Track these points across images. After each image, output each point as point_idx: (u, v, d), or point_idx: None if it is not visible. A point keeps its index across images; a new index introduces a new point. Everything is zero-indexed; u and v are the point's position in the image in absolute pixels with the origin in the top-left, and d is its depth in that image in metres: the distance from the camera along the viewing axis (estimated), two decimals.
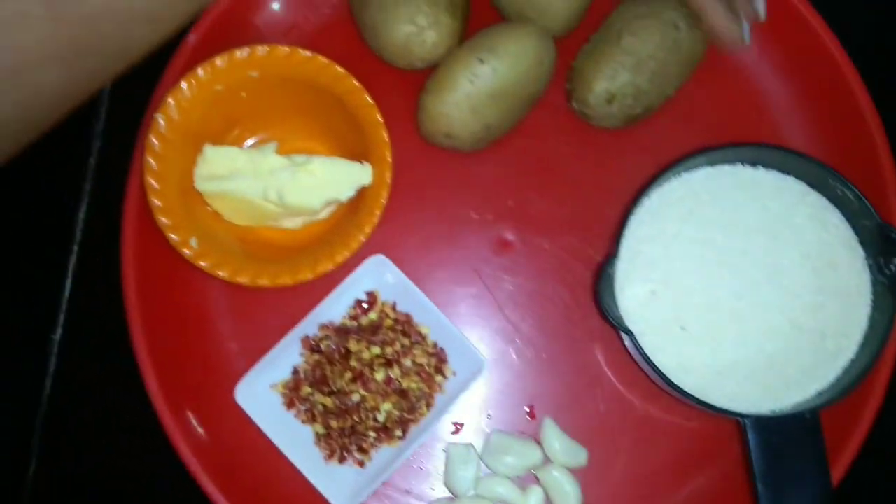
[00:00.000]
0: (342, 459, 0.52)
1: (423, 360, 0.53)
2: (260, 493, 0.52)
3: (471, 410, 0.54)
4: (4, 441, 0.55)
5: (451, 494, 0.52)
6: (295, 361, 0.53)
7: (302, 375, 0.53)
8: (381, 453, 0.52)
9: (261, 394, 0.53)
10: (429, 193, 0.56)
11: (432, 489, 0.53)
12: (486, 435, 0.53)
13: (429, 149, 0.54)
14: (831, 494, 0.45)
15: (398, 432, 0.52)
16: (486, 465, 0.52)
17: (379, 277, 0.54)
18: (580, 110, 0.53)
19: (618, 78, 0.51)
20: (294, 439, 0.52)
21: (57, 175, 0.58)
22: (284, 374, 0.53)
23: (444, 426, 0.54)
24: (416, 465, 0.53)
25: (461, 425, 0.54)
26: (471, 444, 0.53)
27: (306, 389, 0.53)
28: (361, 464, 0.52)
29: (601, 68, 0.51)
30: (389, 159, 0.50)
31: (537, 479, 0.52)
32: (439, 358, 0.53)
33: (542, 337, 0.54)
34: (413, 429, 0.53)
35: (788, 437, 0.46)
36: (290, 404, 0.53)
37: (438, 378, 0.53)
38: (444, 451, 0.53)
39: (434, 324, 0.53)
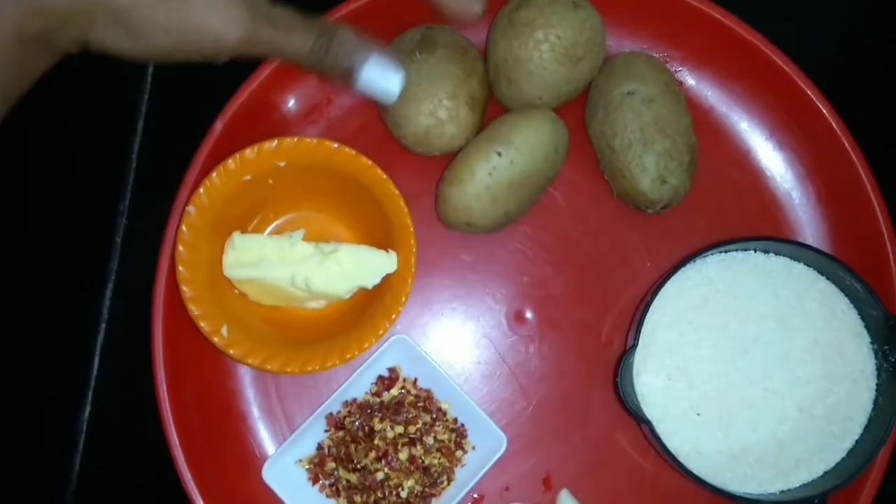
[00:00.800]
0: None
1: (444, 436, 0.55)
2: None
3: (490, 483, 0.56)
4: None
5: None
6: (320, 438, 0.55)
7: (326, 451, 0.55)
8: None
9: (287, 470, 0.54)
10: (446, 271, 0.57)
11: None
12: None
13: (444, 229, 0.56)
14: None
15: None
16: None
17: (401, 355, 0.55)
18: (636, 199, 0.54)
19: (656, 152, 0.53)
20: None
21: (82, 253, 0.59)
22: (310, 450, 0.55)
23: (465, 499, 0.55)
24: None
25: (481, 497, 0.56)
26: None
27: (331, 465, 0.54)
28: None
29: (642, 161, 0.53)
30: (414, 248, 0.51)
31: None
32: (459, 433, 0.55)
33: (556, 410, 0.56)
34: (434, 503, 0.54)
35: None
36: (315, 479, 0.55)
37: (458, 453, 0.55)
38: None
39: (454, 399, 0.55)
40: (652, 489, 0.55)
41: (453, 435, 0.55)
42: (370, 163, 0.51)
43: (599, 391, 0.56)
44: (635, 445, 0.56)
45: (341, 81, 0.46)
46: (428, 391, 0.56)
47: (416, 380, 0.56)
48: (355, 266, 0.51)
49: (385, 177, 0.51)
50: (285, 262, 0.51)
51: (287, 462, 0.54)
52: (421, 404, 0.55)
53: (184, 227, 0.51)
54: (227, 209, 0.52)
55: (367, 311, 0.52)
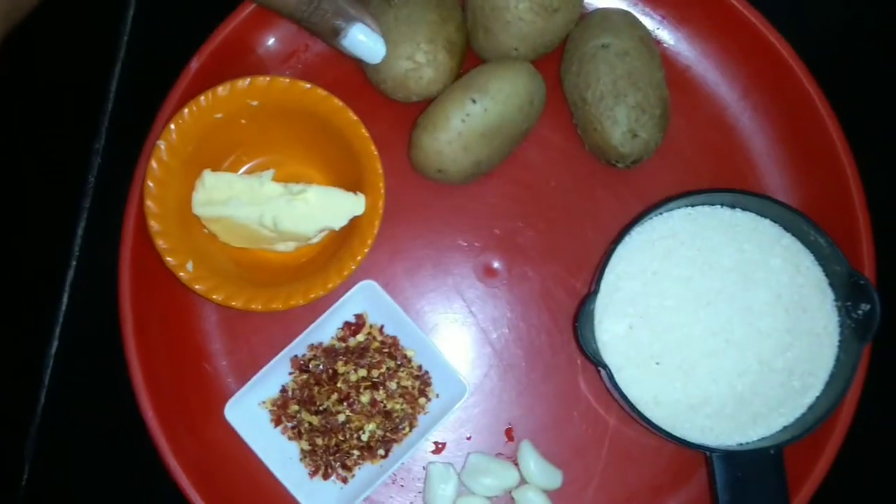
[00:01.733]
0: (326, 476, 0.54)
1: (407, 382, 0.55)
2: None
3: (452, 431, 0.56)
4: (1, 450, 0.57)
5: None
6: (284, 380, 0.55)
7: (290, 394, 0.55)
8: (364, 470, 0.54)
9: (250, 411, 0.54)
10: (418, 221, 0.57)
11: None
12: (465, 455, 0.55)
13: (420, 179, 0.56)
14: None
15: (381, 451, 0.54)
16: (465, 485, 0.54)
17: (368, 301, 0.55)
18: (607, 153, 0.55)
19: (628, 105, 0.53)
20: (281, 455, 0.54)
21: (56, 192, 0.59)
22: (273, 392, 0.55)
23: (426, 446, 0.56)
24: (398, 482, 0.55)
25: (443, 445, 0.56)
26: (451, 464, 0.55)
27: (294, 407, 0.55)
28: (345, 480, 0.54)
29: (614, 114, 0.53)
30: (383, 190, 0.52)
31: (513, 499, 0.54)
32: (423, 381, 0.55)
33: (523, 362, 0.56)
34: (395, 448, 0.55)
35: (753, 470, 0.48)
36: (277, 421, 0.55)
37: (422, 400, 0.55)
38: (425, 469, 0.55)
39: (420, 348, 0.55)
40: (613, 443, 0.55)
41: (417, 382, 0.55)
42: (341, 104, 0.52)
43: (566, 344, 0.56)
44: (599, 399, 0.56)
45: (325, 38, 0.46)
46: (394, 338, 0.56)
47: (382, 326, 0.56)
48: (323, 207, 0.51)
49: (356, 118, 0.52)
50: (254, 202, 0.51)
51: (250, 403, 0.55)
52: (386, 350, 0.55)
53: (153, 163, 0.51)
54: (199, 147, 0.52)
55: (335, 253, 0.52)
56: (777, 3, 0.57)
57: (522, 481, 0.55)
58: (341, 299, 0.54)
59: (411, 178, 0.56)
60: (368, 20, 0.50)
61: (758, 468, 0.48)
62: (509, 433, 0.56)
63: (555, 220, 0.57)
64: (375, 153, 0.52)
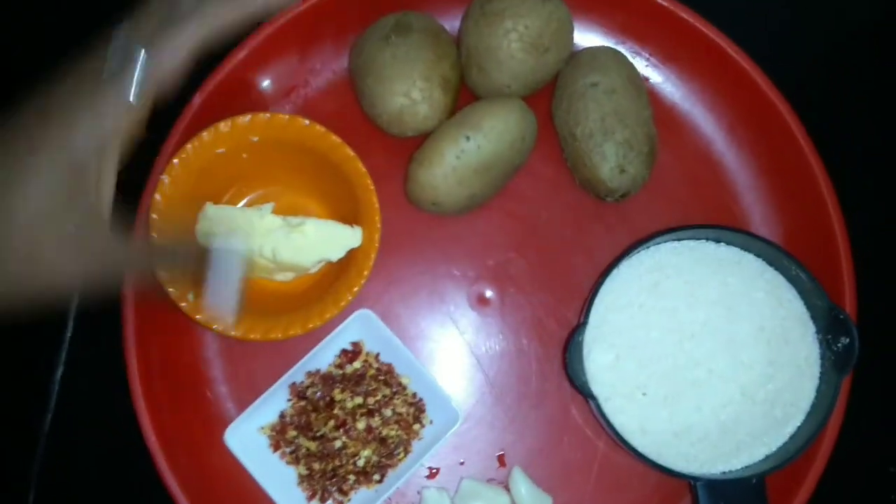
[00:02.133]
0: (323, 500, 0.56)
1: (402, 409, 0.56)
2: None
3: (445, 457, 0.57)
4: (5, 476, 0.58)
5: None
6: (282, 406, 0.57)
7: (288, 420, 0.57)
8: (360, 495, 0.56)
9: (249, 436, 0.56)
10: (413, 251, 0.59)
11: None
12: (458, 480, 0.57)
13: (415, 210, 0.58)
14: None
15: (376, 476, 0.56)
16: None
17: (364, 330, 0.57)
18: (596, 187, 0.56)
19: (616, 142, 0.55)
20: (279, 480, 0.55)
21: None
22: (272, 417, 0.57)
23: (420, 471, 0.57)
24: (394, 501, 0.57)
25: (436, 471, 0.57)
26: (444, 489, 0.56)
27: (292, 433, 0.56)
28: None
29: (603, 150, 0.55)
30: (379, 224, 0.54)
31: None
32: (418, 408, 0.57)
33: (514, 389, 0.58)
34: (391, 473, 0.56)
35: (735, 499, 0.49)
36: (276, 446, 0.56)
37: (416, 426, 0.57)
38: (419, 494, 0.56)
39: (414, 375, 0.57)
40: (602, 469, 0.57)
41: (412, 409, 0.57)
42: (339, 140, 0.53)
43: (556, 372, 0.58)
44: (588, 425, 0.57)
45: None
46: (389, 365, 0.57)
47: (378, 354, 0.58)
48: (321, 239, 0.53)
49: (353, 154, 0.53)
50: (254, 234, 0.53)
51: (249, 428, 0.56)
52: (382, 378, 0.57)
53: (157, 196, 0.53)
54: (201, 181, 0.54)
55: (332, 284, 0.54)
56: (760, 38, 0.59)
57: None
58: (338, 328, 0.56)
59: (407, 210, 0.58)
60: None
61: (740, 497, 0.49)
62: (501, 459, 0.57)
63: (546, 251, 0.59)
64: (372, 187, 0.53)
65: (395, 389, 0.57)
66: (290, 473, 0.56)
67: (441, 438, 0.56)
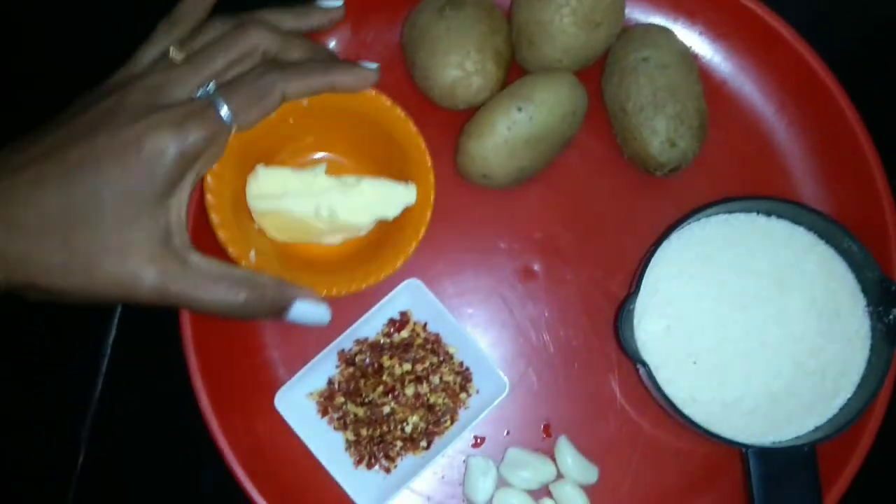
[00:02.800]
0: (370, 465, 0.56)
1: (449, 377, 0.57)
2: (294, 493, 0.55)
3: (492, 426, 0.58)
4: (56, 434, 0.59)
5: (469, 503, 0.56)
6: (331, 373, 0.57)
7: (336, 386, 0.57)
8: (406, 461, 0.56)
9: (298, 401, 0.57)
10: (461, 223, 0.60)
11: (452, 497, 0.57)
12: (504, 450, 0.57)
13: (464, 183, 0.58)
14: None
15: (423, 443, 0.56)
16: (504, 478, 0.56)
17: (412, 299, 0.58)
18: (646, 161, 0.57)
19: (667, 115, 0.55)
20: (327, 445, 0.56)
21: None
22: (320, 384, 0.57)
23: (467, 440, 0.58)
24: (439, 474, 0.57)
25: (482, 439, 0.58)
26: (490, 458, 0.57)
27: (340, 399, 0.57)
28: (388, 470, 0.56)
29: (653, 124, 0.55)
30: (433, 182, 0.54)
31: (550, 493, 0.56)
32: (465, 377, 0.57)
33: (560, 362, 0.58)
34: (437, 440, 0.57)
35: (786, 467, 0.50)
36: (324, 412, 0.57)
37: (463, 395, 0.57)
38: (465, 462, 0.57)
39: (461, 344, 0.57)
40: (646, 444, 0.57)
41: (458, 378, 0.57)
42: (390, 102, 0.54)
43: (603, 346, 0.58)
44: (633, 401, 0.57)
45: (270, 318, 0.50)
46: (436, 335, 0.58)
47: (425, 324, 0.58)
48: (377, 197, 0.53)
49: (404, 115, 0.54)
50: (309, 194, 0.53)
51: (298, 394, 0.57)
52: (429, 346, 0.57)
53: None
54: (250, 145, 0.55)
55: (387, 243, 0.55)
56: (810, 16, 0.59)
57: (559, 476, 0.56)
58: (387, 297, 0.57)
59: (456, 182, 0.59)
60: (306, 293, 0.51)
61: (791, 465, 0.50)
62: (547, 429, 0.58)
63: (593, 226, 0.60)
64: (424, 147, 0.54)
65: (442, 358, 0.57)
66: (338, 439, 0.57)
67: (488, 407, 0.56)
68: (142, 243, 0.45)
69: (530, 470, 0.56)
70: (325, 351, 0.56)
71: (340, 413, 0.57)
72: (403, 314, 0.58)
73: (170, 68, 0.48)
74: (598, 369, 0.58)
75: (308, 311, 0.50)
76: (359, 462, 0.56)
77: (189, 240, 0.47)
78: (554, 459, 0.57)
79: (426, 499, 0.57)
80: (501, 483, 0.56)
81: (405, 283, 0.57)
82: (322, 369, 0.57)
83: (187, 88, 0.47)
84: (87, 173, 0.44)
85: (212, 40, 0.49)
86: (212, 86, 0.48)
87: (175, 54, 0.49)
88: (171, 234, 0.46)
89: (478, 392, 0.58)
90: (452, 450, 0.57)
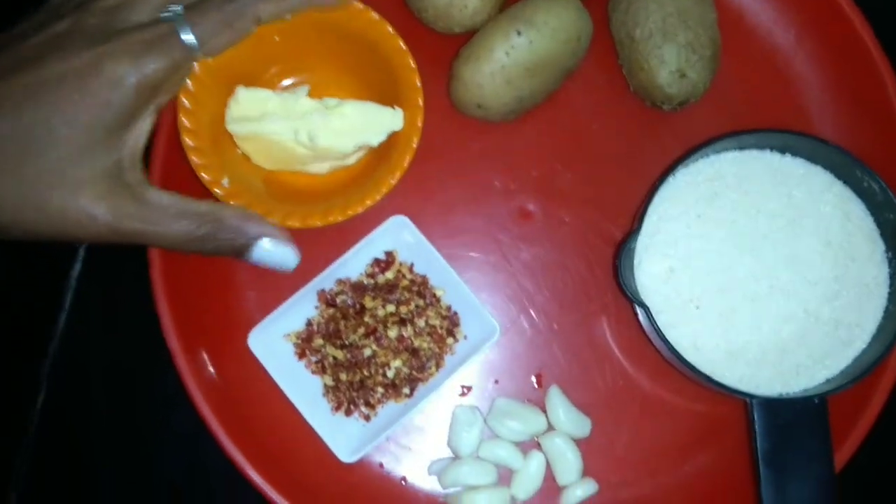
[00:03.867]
0: (349, 412, 0.53)
1: (435, 321, 0.53)
2: (266, 437, 0.52)
3: (480, 375, 0.54)
4: (15, 371, 0.56)
5: (453, 454, 0.53)
6: (309, 314, 0.54)
7: (315, 328, 0.54)
8: (387, 409, 0.53)
9: (273, 342, 0.53)
10: (454, 159, 0.56)
11: (435, 449, 0.53)
12: (492, 400, 0.54)
13: (458, 115, 0.55)
14: (834, 479, 0.46)
15: (406, 390, 0.53)
16: (491, 429, 0.53)
17: (399, 238, 0.54)
18: (652, 93, 0.53)
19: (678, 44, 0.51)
20: (303, 389, 0.53)
21: None
22: (298, 325, 0.54)
23: (452, 389, 0.54)
24: (421, 424, 0.53)
25: (469, 389, 0.54)
26: (477, 407, 0.53)
27: (318, 342, 0.53)
28: (367, 418, 0.53)
29: (662, 53, 0.51)
30: (421, 104, 0.50)
31: (540, 446, 0.53)
32: (452, 321, 0.54)
33: (554, 308, 0.55)
34: (420, 388, 0.53)
35: (795, 419, 0.46)
36: (301, 355, 0.54)
37: (450, 340, 0.54)
38: (451, 412, 0.53)
39: (449, 287, 0.54)
40: (643, 398, 0.54)
41: (445, 322, 0.54)
42: (379, 18, 0.50)
43: (601, 293, 0.55)
44: (630, 352, 0.54)
45: (230, 257, 0.47)
46: (423, 277, 0.54)
47: (412, 265, 0.55)
48: (360, 122, 0.50)
49: (393, 32, 0.50)
50: (289, 117, 0.50)
51: (274, 334, 0.53)
52: (415, 289, 0.54)
53: (187, 79, 0.50)
54: (231, 65, 0.51)
55: (372, 172, 0.51)
56: None
57: (550, 428, 0.53)
58: (371, 234, 0.53)
59: (449, 115, 0.55)
60: (269, 232, 0.47)
61: (801, 417, 0.46)
62: (539, 379, 0.54)
63: (594, 164, 0.56)
64: (414, 66, 0.50)
65: (428, 301, 0.54)
66: (315, 384, 0.53)
67: (476, 352, 0.52)
68: (95, 178, 0.42)
69: (519, 420, 0.52)
70: (304, 290, 0.53)
71: (318, 356, 0.53)
72: (389, 254, 0.55)
73: None
74: (595, 318, 0.55)
75: (271, 251, 0.47)
76: (337, 408, 0.53)
77: (145, 174, 0.44)
78: (545, 411, 0.53)
79: (408, 450, 0.53)
80: (488, 435, 0.53)
81: (391, 219, 0.53)
82: (300, 309, 0.54)
83: (148, 10, 0.44)
84: (38, 101, 0.41)
85: None
86: (178, 7, 0.44)
87: None
88: (125, 169, 0.43)
89: (465, 337, 0.54)
90: (437, 399, 0.54)
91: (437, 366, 0.53)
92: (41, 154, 0.41)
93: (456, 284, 0.53)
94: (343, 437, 0.52)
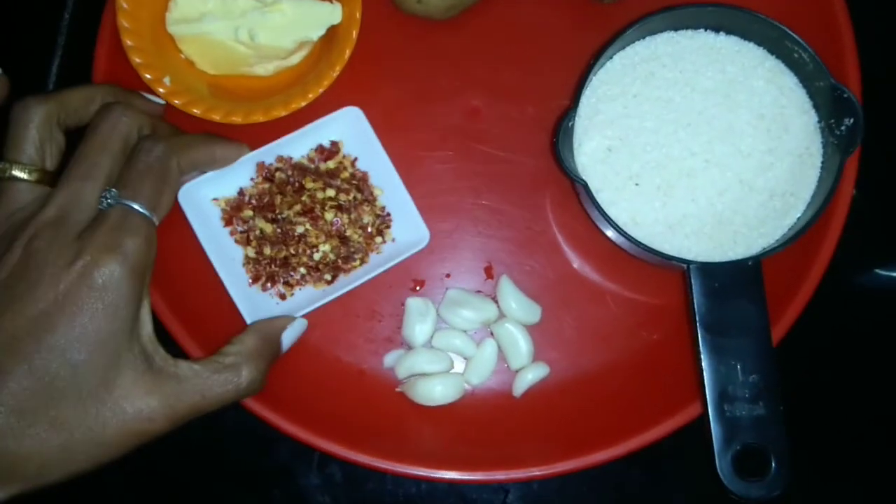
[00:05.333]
0: (265, 287, 0.53)
1: (368, 218, 0.53)
2: (186, 291, 0.53)
3: (431, 270, 0.55)
4: None
5: (408, 346, 0.54)
6: (243, 183, 0.53)
7: (246, 198, 0.53)
8: (304, 292, 0.53)
9: (202, 203, 0.52)
10: (401, 60, 0.57)
11: (390, 341, 0.54)
12: (444, 292, 0.55)
13: (401, 16, 0.55)
14: (769, 340, 0.47)
15: (327, 276, 0.53)
16: (443, 319, 0.54)
17: (347, 130, 0.54)
18: None
19: None
20: (224, 255, 0.52)
21: (31, 27, 0.59)
22: (229, 192, 0.53)
23: (405, 283, 0.55)
24: (376, 317, 0.54)
25: (422, 283, 0.55)
26: (429, 299, 0.54)
27: (248, 213, 0.53)
28: (283, 297, 0.53)
29: None
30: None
31: (492, 334, 0.54)
32: (384, 222, 0.54)
33: (503, 201, 0.55)
34: (342, 277, 0.53)
35: (730, 282, 0.47)
36: (227, 222, 0.53)
37: (378, 240, 0.54)
38: (402, 305, 0.54)
39: (388, 188, 0.54)
40: (590, 284, 0.55)
41: (377, 221, 0.54)
42: None
43: (546, 183, 0.56)
44: (575, 243, 0.55)
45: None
46: (364, 173, 0.54)
47: (356, 159, 0.55)
48: (299, 17, 0.51)
49: None
50: (228, 16, 0.51)
51: (203, 195, 0.52)
52: (355, 182, 0.54)
53: None
54: None
55: (312, 67, 0.52)
56: None
57: (501, 315, 0.54)
58: (321, 119, 0.52)
59: (392, 17, 0.56)
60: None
61: (735, 279, 0.47)
62: (488, 270, 0.55)
63: (537, 59, 0.56)
64: None
65: (365, 197, 0.54)
66: (237, 252, 0.53)
67: (402, 256, 0.52)
68: (134, 383, 0.40)
69: (471, 309, 0.53)
70: (243, 159, 0.52)
71: (245, 227, 0.53)
72: (334, 143, 0.54)
73: (57, 192, 0.42)
74: (540, 209, 0.55)
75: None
76: (254, 280, 0.53)
77: (165, 351, 0.43)
78: (496, 301, 0.54)
79: (370, 341, 0.54)
80: (442, 326, 0.54)
81: (344, 109, 0.53)
82: (234, 176, 0.53)
83: (88, 208, 0.42)
84: (40, 341, 0.38)
85: (81, 147, 0.44)
86: (112, 191, 0.43)
87: (23, 173, 0.43)
88: (150, 356, 0.42)
89: (394, 240, 0.54)
90: (388, 291, 0.54)
91: (362, 261, 0.53)
92: (70, 393, 0.39)
93: (395, 187, 0.53)
94: (256, 309, 0.51)
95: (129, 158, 0.44)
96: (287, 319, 0.50)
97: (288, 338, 0.49)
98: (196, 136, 0.50)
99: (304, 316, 0.52)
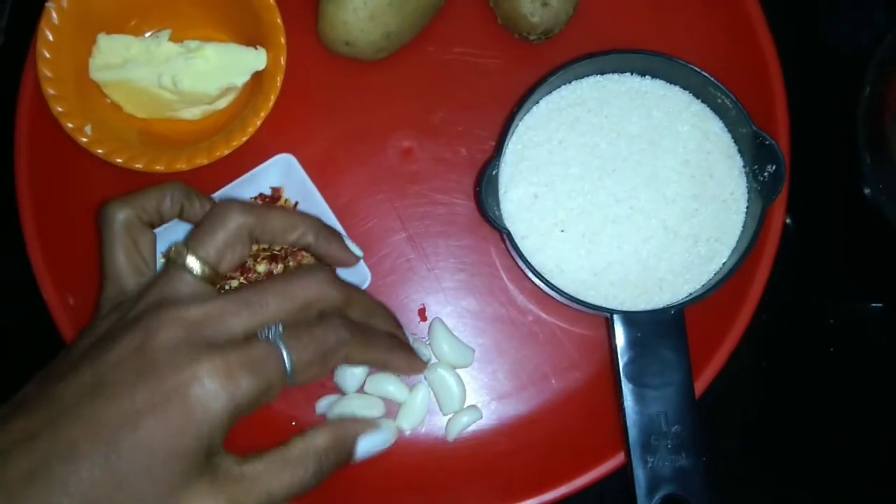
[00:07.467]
0: None
1: (308, 262, 0.53)
2: None
3: None
4: None
5: (341, 391, 0.54)
6: (177, 237, 0.53)
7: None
8: None
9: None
10: (333, 102, 0.56)
11: (322, 387, 0.54)
12: None
13: (331, 57, 0.55)
14: (690, 384, 0.47)
15: None
16: None
17: (285, 176, 0.54)
18: (518, 23, 0.53)
19: None
20: None
21: None
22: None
23: None
24: None
25: None
26: None
27: None
28: None
29: None
30: (284, 43, 0.51)
31: (425, 378, 0.54)
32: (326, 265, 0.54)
33: (436, 241, 0.55)
34: None
35: (652, 332, 0.47)
36: None
37: None
38: None
39: None
40: (526, 324, 0.54)
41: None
42: None
43: (480, 225, 0.55)
44: (513, 279, 0.55)
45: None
46: None
47: (296, 203, 0.55)
48: (223, 64, 0.50)
49: None
50: (152, 63, 0.50)
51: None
52: None
53: (45, 28, 0.50)
54: (93, 12, 0.51)
55: (243, 110, 0.51)
56: None
57: (435, 360, 0.54)
58: (258, 168, 0.52)
59: (322, 58, 0.55)
60: (364, 428, 0.43)
61: (658, 329, 0.47)
62: (422, 313, 0.55)
63: (468, 98, 0.56)
64: (273, 4, 0.50)
65: None
66: None
67: None
68: (199, 493, 0.37)
69: None
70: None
71: None
72: (275, 190, 0.54)
73: (213, 299, 0.39)
74: (476, 248, 0.55)
75: (371, 446, 0.43)
76: None
77: (229, 456, 0.39)
78: (429, 344, 0.54)
79: (299, 388, 0.54)
80: (373, 370, 0.54)
81: (279, 157, 0.53)
82: (171, 234, 0.52)
83: (241, 325, 0.39)
84: (126, 440, 0.35)
85: (268, 282, 0.41)
86: (278, 327, 0.39)
87: (197, 265, 0.40)
88: (217, 466, 0.38)
89: None
90: None
91: None
92: (135, 499, 0.36)
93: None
94: None
95: (315, 321, 0.41)
96: (367, 424, 0.43)
97: (363, 447, 0.42)
98: (380, 339, 0.46)
99: None
